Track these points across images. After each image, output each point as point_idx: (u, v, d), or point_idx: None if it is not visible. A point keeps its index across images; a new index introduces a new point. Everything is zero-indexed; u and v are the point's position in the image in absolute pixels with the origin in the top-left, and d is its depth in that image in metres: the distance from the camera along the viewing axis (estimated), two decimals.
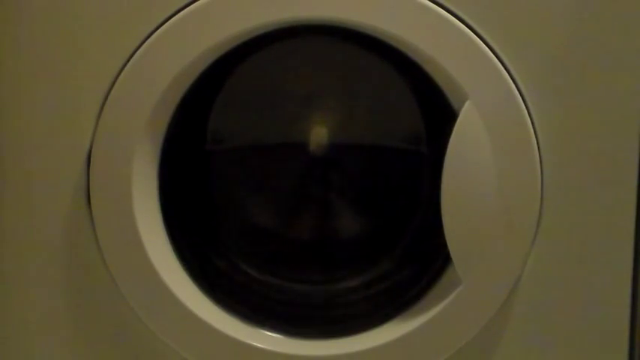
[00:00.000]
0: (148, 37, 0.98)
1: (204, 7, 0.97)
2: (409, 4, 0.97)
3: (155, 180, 1.04)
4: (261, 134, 1.15)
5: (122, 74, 0.99)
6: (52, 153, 1.02)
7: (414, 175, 1.15)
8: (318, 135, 1.13)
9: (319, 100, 1.14)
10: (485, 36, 0.98)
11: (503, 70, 0.98)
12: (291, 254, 1.18)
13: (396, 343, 1.03)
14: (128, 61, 0.99)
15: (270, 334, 1.06)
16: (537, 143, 1.00)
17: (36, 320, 1.07)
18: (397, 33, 0.97)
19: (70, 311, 1.06)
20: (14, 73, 1.01)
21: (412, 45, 0.97)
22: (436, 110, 1.04)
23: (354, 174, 1.17)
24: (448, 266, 1.04)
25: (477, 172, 0.98)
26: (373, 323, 1.06)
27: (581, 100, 1.00)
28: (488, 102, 0.98)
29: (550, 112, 1.00)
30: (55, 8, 0.99)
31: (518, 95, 0.99)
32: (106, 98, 1.00)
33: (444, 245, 1.00)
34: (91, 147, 1.01)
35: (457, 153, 0.98)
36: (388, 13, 0.97)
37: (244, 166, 1.17)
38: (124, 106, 1.00)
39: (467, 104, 0.97)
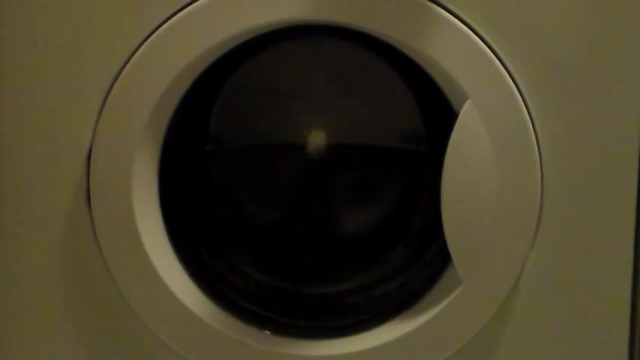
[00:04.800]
0: (148, 37, 0.98)
1: (204, 7, 0.97)
2: (409, 5, 0.97)
3: (155, 180, 1.04)
4: (261, 134, 1.15)
5: (122, 74, 0.99)
6: (52, 153, 1.02)
7: (414, 175, 1.15)
8: (318, 135, 1.13)
9: (319, 101, 1.14)
10: (485, 36, 0.98)
11: (503, 70, 0.98)
12: (290, 255, 1.18)
13: (396, 343, 1.03)
14: (128, 61, 0.99)
15: (269, 334, 1.06)
16: (537, 143, 1.00)
17: (36, 320, 1.07)
18: (397, 34, 0.97)
19: (70, 311, 1.06)
20: (14, 72, 1.01)
21: (412, 46, 0.97)
22: (436, 110, 1.04)
23: (354, 174, 1.17)
24: (448, 266, 1.04)
25: (477, 172, 0.98)
26: (373, 323, 1.06)
27: (582, 100, 1.00)
28: (488, 102, 0.98)
29: (550, 112, 1.00)
30: (55, 8, 1.00)
31: (518, 95, 0.99)
32: (106, 98, 1.00)
33: (444, 245, 1.00)
34: (91, 147, 1.01)
35: (457, 153, 0.98)
36: (388, 14, 0.97)
37: (244, 166, 1.17)
38: (124, 106, 1.00)
39: (467, 104, 0.97)
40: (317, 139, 1.12)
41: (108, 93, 1.00)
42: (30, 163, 1.03)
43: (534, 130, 0.99)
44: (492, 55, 0.98)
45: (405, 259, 1.14)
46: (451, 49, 0.97)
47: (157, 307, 1.03)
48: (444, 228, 0.99)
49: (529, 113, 0.99)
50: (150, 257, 1.02)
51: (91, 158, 1.01)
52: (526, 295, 1.04)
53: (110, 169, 1.01)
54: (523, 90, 0.99)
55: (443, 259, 1.04)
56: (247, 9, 0.97)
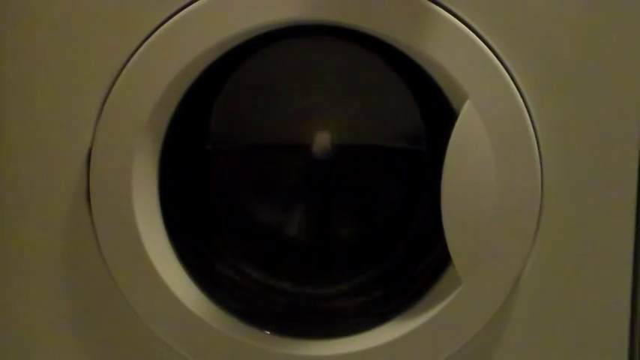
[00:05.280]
0: (148, 36, 0.98)
1: (204, 7, 0.97)
2: (409, 5, 0.97)
3: (155, 180, 1.04)
4: (260, 134, 1.15)
5: (122, 74, 0.99)
6: (52, 153, 1.02)
7: (414, 175, 1.15)
8: (318, 135, 1.13)
9: (319, 100, 1.14)
10: (485, 36, 0.98)
11: (504, 70, 0.98)
12: (291, 254, 1.18)
13: (396, 343, 1.03)
14: (128, 60, 0.99)
15: (269, 334, 1.06)
16: (537, 143, 1.00)
17: (36, 320, 1.07)
18: (397, 34, 0.97)
19: (70, 311, 1.06)
20: (14, 73, 1.01)
21: (412, 45, 0.97)
22: (436, 110, 1.04)
23: (354, 174, 1.17)
24: (448, 266, 1.04)
25: (477, 172, 0.98)
26: (373, 323, 1.06)
27: (582, 100, 1.00)
28: (488, 102, 0.98)
29: (550, 112, 1.00)
30: (54, 8, 1.00)
31: (519, 95, 0.99)
32: (106, 98, 1.00)
33: (444, 245, 1.00)
34: (91, 147, 1.01)
35: (457, 153, 0.98)
36: (388, 14, 0.97)
37: (244, 166, 1.17)
38: (124, 106, 1.00)
39: (467, 104, 0.97)
40: (317, 139, 1.12)
41: (108, 93, 1.00)
42: (30, 163, 1.03)
43: (534, 130, 0.99)
44: (492, 55, 0.98)
45: (405, 259, 1.14)
46: (451, 49, 0.97)
47: (157, 307, 1.03)
48: (444, 228, 0.99)
49: (529, 113, 0.99)
50: (150, 257, 1.02)
51: (91, 158, 1.01)
52: (526, 295, 1.04)
53: (110, 169, 1.01)
54: (523, 90, 0.99)
55: (443, 259, 1.04)
56: (247, 9, 0.97)
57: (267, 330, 1.06)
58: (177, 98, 1.02)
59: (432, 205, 1.02)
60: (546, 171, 1.01)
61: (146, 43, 0.98)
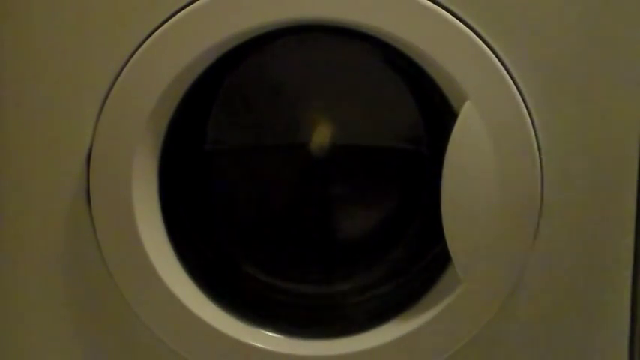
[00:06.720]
0: (148, 36, 0.98)
1: (204, 7, 0.98)
2: (409, 5, 0.97)
3: (155, 180, 1.04)
4: (260, 134, 1.15)
5: (122, 74, 0.99)
6: (52, 153, 1.02)
7: (414, 176, 1.15)
8: (318, 135, 1.13)
9: (319, 100, 1.14)
10: (485, 36, 0.98)
11: (504, 70, 0.98)
12: (291, 254, 1.18)
13: (396, 343, 1.03)
14: (128, 60, 0.99)
15: (270, 333, 1.06)
16: (537, 143, 1.00)
17: (36, 320, 1.07)
18: (397, 33, 0.97)
19: (70, 311, 1.06)
20: (14, 73, 1.02)
21: (412, 45, 0.97)
22: (436, 110, 1.04)
23: (354, 174, 1.17)
24: (448, 266, 1.04)
25: (477, 172, 0.98)
26: (373, 323, 1.06)
27: (581, 100, 1.00)
28: (488, 102, 0.98)
29: (550, 113, 1.00)
30: (54, 8, 1.00)
31: (519, 95, 0.99)
32: (106, 98, 1.00)
33: (444, 245, 1.00)
34: (91, 147, 1.01)
35: (457, 153, 0.98)
36: (388, 14, 0.97)
37: (244, 166, 1.17)
38: (124, 106, 1.00)
39: (467, 104, 0.97)
40: (316, 139, 1.12)
41: (108, 93, 1.00)
42: (30, 163, 1.03)
43: (534, 130, 0.99)
44: (492, 55, 0.98)
45: (405, 259, 1.14)
46: (451, 49, 0.97)
47: (156, 307, 1.03)
48: (444, 228, 0.99)
49: (529, 113, 0.99)
50: (150, 257, 1.02)
51: (91, 158, 1.01)
52: (526, 295, 1.04)
53: (110, 169, 1.01)
54: (523, 90, 0.99)
55: (443, 259, 1.04)
56: (247, 9, 0.97)
57: (268, 330, 1.06)
58: (177, 98, 1.02)
59: (432, 205, 1.02)
60: (546, 171, 1.01)
61: (146, 43, 0.98)
